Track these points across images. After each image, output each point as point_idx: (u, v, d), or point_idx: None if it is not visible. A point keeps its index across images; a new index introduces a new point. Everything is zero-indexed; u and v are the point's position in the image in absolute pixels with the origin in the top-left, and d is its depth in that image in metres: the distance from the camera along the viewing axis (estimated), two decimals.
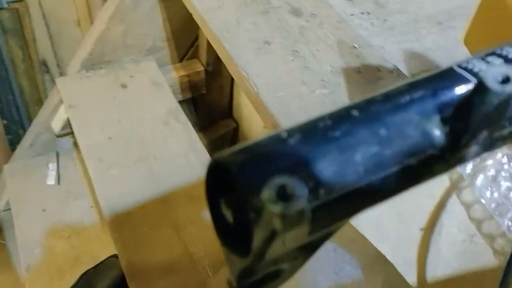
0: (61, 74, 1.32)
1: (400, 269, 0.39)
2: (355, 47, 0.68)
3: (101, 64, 0.94)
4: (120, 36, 0.92)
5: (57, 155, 1.05)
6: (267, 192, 0.14)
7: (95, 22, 0.90)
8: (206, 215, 0.85)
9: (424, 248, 0.38)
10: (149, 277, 0.74)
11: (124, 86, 0.94)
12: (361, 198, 0.17)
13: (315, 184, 0.16)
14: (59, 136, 1.00)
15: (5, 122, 1.30)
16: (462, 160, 0.19)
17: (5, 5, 1.19)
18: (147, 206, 0.81)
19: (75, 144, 1.04)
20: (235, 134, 1.13)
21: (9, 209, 1.02)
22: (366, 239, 0.41)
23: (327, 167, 0.16)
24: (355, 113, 0.18)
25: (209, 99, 1.08)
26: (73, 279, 0.83)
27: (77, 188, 1.00)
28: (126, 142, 0.86)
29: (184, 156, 0.85)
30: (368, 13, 0.72)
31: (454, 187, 0.37)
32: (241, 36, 0.66)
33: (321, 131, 0.17)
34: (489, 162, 0.35)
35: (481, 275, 0.35)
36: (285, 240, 0.16)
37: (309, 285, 0.48)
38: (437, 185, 0.38)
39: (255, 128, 1.08)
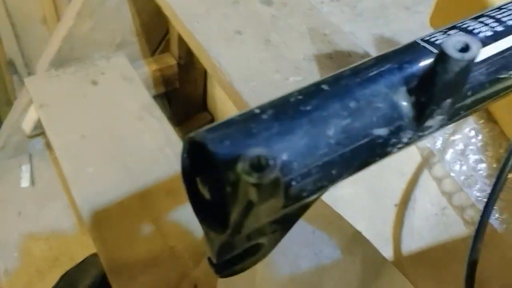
0: (30, 73, 1.29)
1: (377, 245, 0.40)
2: (326, 34, 0.69)
3: (70, 61, 0.93)
4: (88, 32, 0.90)
5: (30, 156, 1.03)
6: (241, 164, 0.14)
7: (62, 19, 0.89)
8: (186, 208, 0.85)
9: (399, 224, 0.39)
10: (131, 273, 0.74)
11: (95, 83, 0.92)
12: (333, 169, 0.18)
13: (288, 156, 0.16)
14: (30, 137, 0.98)
15: None
16: (429, 129, 0.20)
17: None
18: (125, 202, 0.80)
19: (48, 144, 1.02)
20: None
21: None
22: (342, 219, 0.42)
23: (300, 140, 0.17)
24: (325, 87, 0.18)
25: (183, 93, 1.07)
26: (53, 281, 0.82)
27: (52, 189, 0.99)
28: (100, 139, 0.85)
29: (160, 151, 0.85)
30: (338, 0, 0.73)
31: (426, 163, 0.38)
32: (212, 26, 0.66)
33: (293, 105, 0.18)
34: (458, 136, 0.36)
35: (453, 245, 0.36)
36: (261, 212, 0.16)
37: (290, 268, 0.48)
38: (409, 161, 0.39)
39: None
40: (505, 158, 0.28)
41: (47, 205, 0.95)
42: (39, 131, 0.95)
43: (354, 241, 0.45)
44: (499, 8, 0.23)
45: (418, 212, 0.38)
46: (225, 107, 1.06)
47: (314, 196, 0.19)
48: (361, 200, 0.41)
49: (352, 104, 0.18)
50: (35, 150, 1.04)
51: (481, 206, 0.34)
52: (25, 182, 0.98)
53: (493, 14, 0.22)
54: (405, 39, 0.21)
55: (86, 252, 0.85)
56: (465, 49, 0.17)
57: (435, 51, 0.19)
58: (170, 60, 1.03)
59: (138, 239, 0.78)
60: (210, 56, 0.62)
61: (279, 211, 0.18)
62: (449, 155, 0.36)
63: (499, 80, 0.21)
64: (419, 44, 0.21)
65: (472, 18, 0.22)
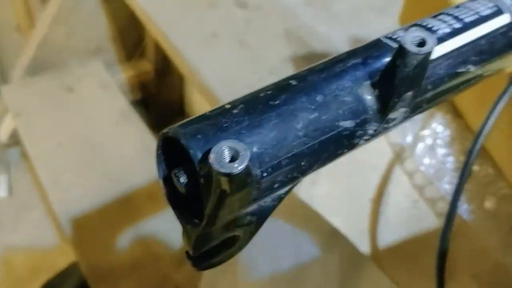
0: (4, 82, 1.27)
1: (354, 240, 0.41)
2: (301, 35, 0.70)
3: (46, 69, 0.92)
4: (63, 39, 0.90)
5: (7, 166, 1.01)
6: (213, 156, 0.15)
7: (37, 26, 0.88)
8: (166, 212, 0.85)
9: (374, 218, 0.40)
10: (112, 279, 0.73)
11: (71, 89, 0.92)
12: (303, 161, 0.19)
13: (258, 148, 0.17)
14: (7, 146, 0.97)
15: None
16: (393, 121, 0.21)
17: None
18: (105, 208, 0.80)
19: (24, 153, 1.01)
20: None
21: None
22: (320, 216, 0.43)
23: (269, 132, 0.18)
24: (293, 82, 0.19)
25: (160, 98, 1.07)
26: None
27: (29, 198, 0.97)
28: (77, 146, 0.84)
29: (139, 156, 0.85)
30: (312, 2, 0.75)
31: (397, 158, 0.39)
32: (187, 30, 0.66)
33: (262, 100, 0.18)
34: (426, 132, 0.38)
35: (426, 237, 0.37)
36: (234, 203, 0.17)
37: (270, 268, 0.49)
38: (382, 157, 0.40)
39: None
40: (468, 152, 0.30)
41: (25, 215, 0.94)
42: (15, 140, 0.94)
43: (332, 237, 0.46)
44: (457, 6, 0.24)
45: (391, 206, 0.39)
46: (203, 111, 1.07)
47: (286, 188, 0.20)
48: (337, 196, 0.43)
49: (319, 98, 0.19)
50: (12, 160, 1.02)
51: (450, 198, 0.35)
52: (2, 192, 0.97)
53: (451, 12, 0.23)
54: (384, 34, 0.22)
55: (66, 260, 0.84)
56: (422, 43, 0.18)
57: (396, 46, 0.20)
58: (147, 66, 1.03)
59: (118, 245, 0.78)
60: (186, 60, 0.63)
61: (252, 202, 0.18)
62: (419, 149, 0.37)
63: (457, 74, 0.22)
64: (382, 41, 0.22)
65: (432, 17, 0.24)
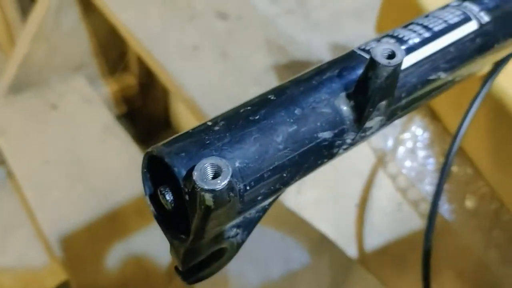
0: None
1: (342, 245, 0.42)
2: (282, 45, 0.71)
3: (29, 87, 0.92)
4: (45, 56, 0.90)
5: None
6: (196, 173, 0.16)
7: (18, 44, 0.88)
8: (155, 227, 0.85)
9: (360, 222, 0.41)
10: None
11: (54, 107, 0.92)
12: (285, 172, 0.19)
13: (240, 163, 0.18)
14: None
15: None
16: (370, 130, 0.22)
17: None
18: (94, 225, 0.79)
19: (10, 172, 1.00)
20: None
21: None
22: (308, 223, 0.43)
23: (251, 147, 0.18)
24: (272, 97, 0.20)
25: (145, 112, 1.07)
26: None
27: (16, 218, 0.96)
28: (63, 163, 0.84)
29: (126, 171, 0.85)
30: (292, 12, 0.76)
31: (380, 163, 0.40)
32: (169, 44, 0.67)
33: (243, 116, 0.19)
34: (407, 135, 0.39)
35: (411, 238, 0.38)
36: (219, 217, 0.18)
37: (261, 276, 0.49)
38: (365, 162, 0.41)
39: None
40: (447, 153, 0.31)
41: (13, 235, 0.93)
42: (0, 159, 0.93)
43: (321, 243, 0.46)
44: (426, 15, 0.25)
45: (377, 209, 0.40)
46: (188, 123, 1.07)
47: (270, 199, 0.20)
48: (323, 203, 0.43)
49: (298, 111, 0.20)
50: None
51: (432, 199, 0.36)
52: None
53: (421, 22, 0.24)
54: (358, 45, 0.22)
55: (56, 279, 0.83)
56: (391, 56, 0.18)
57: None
58: (131, 79, 1.03)
59: (109, 262, 0.77)
60: (169, 73, 0.64)
61: (237, 215, 0.19)
62: (400, 153, 0.38)
63: (429, 82, 0.23)
64: (356, 52, 0.23)
65: (403, 27, 0.25)
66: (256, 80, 0.67)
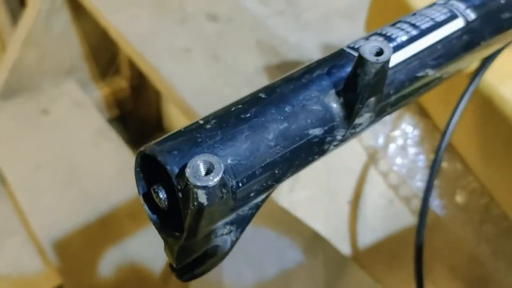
0: None
1: (335, 243, 0.42)
2: (273, 46, 0.71)
3: (19, 92, 0.91)
4: (35, 61, 0.89)
5: None
6: (189, 170, 0.16)
7: (8, 49, 0.87)
8: (149, 229, 0.85)
9: (353, 220, 0.41)
10: None
11: (46, 111, 0.91)
12: (276, 169, 0.20)
13: (232, 160, 0.18)
14: None
15: None
16: (359, 126, 0.22)
17: None
18: (87, 229, 0.79)
19: (2, 178, 0.99)
20: None
21: None
22: (301, 222, 0.43)
23: (242, 144, 0.19)
24: (262, 95, 0.20)
25: (138, 115, 1.07)
26: None
27: (9, 224, 0.96)
28: (56, 168, 0.83)
29: (118, 175, 0.85)
30: (282, 13, 0.76)
31: (371, 160, 0.40)
32: (160, 46, 0.67)
33: (234, 114, 0.19)
34: (397, 132, 0.39)
35: (403, 234, 0.39)
36: (212, 214, 0.18)
37: (256, 275, 0.50)
38: (357, 160, 0.41)
39: None
40: (437, 150, 0.31)
41: (6, 241, 0.92)
42: None
43: (315, 241, 0.47)
44: (414, 14, 0.26)
45: (369, 206, 0.41)
46: (181, 125, 1.07)
47: (262, 196, 0.21)
48: (316, 201, 0.44)
49: (288, 109, 0.20)
50: None
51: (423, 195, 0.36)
52: None
53: (408, 20, 0.25)
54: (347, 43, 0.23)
55: (50, 285, 0.82)
56: (379, 53, 0.19)
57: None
58: (122, 83, 1.03)
59: (103, 266, 0.77)
60: (161, 75, 0.64)
61: (230, 212, 0.19)
62: (391, 150, 0.39)
63: (417, 78, 0.23)
64: (345, 50, 0.23)
65: (391, 25, 0.25)
66: (248, 81, 0.67)
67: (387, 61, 0.19)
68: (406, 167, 0.38)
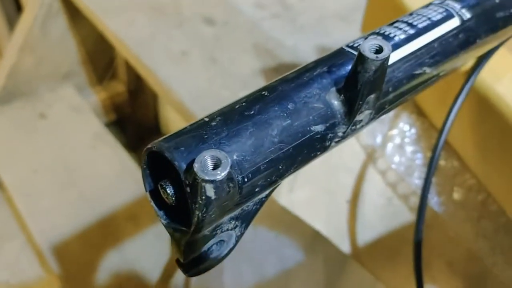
0: None
1: (335, 241, 0.42)
2: (269, 48, 0.72)
3: (17, 97, 0.91)
4: (32, 66, 0.89)
5: None
6: (197, 165, 0.16)
7: (5, 55, 0.87)
8: (148, 232, 0.85)
9: (353, 218, 0.42)
10: None
11: (43, 116, 0.91)
12: (280, 165, 0.20)
13: (238, 156, 0.19)
14: None
15: None
16: (360, 123, 0.23)
17: None
18: (86, 233, 0.79)
19: (0, 183, 0.99)
20: None
21: None
22: (301, 221, 0.44)
23: (247, 141, 0.19)
24: (265, 93, 0.21)
25: (135, 118, 1.07)
26: None
27: (8, 228, 0.95)
28: (54, 172, 0.84)
29: (116, 178, 0.85)
30: (278, 16, 0.77)
31: (370, 159, 0.41)
32: (157, 49, 0.67)
33: (238, 111, 0.20)
34: (395, 131, 0.40)
35: (402, 231, 0.39)
36: (219, 208, 0.18)
37: (256, 275, 0.50)
38: (356, 159, 0.42)
39: None
40: (434, 147, 0.32)
41: (4, 246, 0.92)
42: None
43: (315, 240, 0.47)
44: (411, 13, 0.26)
45: (368, 205, 0.41)
46: (178, 128, 1.08)
47: (267, 191, 0.21)
48: (316, 200, 0.44)
49: (291, 106, 0.20)
50: None
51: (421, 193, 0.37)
52: None
53: (405, 20, 0.26)
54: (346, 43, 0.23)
55: None
56: (379, 50, 0.19)
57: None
58: (120, 86, 1.03)
59: (103, 270, 0.77)
60: (158, 79, 0.64)
61: (236, 207, 0.19)
62: (389, 149, 0.39)
63: (415, 76, 0.24)
64: (345, 49, 0.23)
65: (388, 25, 0.26)
66: (244, 83, 0.68)
67: (387, 59, 0.19)
68: (404, 165, 0.39)
